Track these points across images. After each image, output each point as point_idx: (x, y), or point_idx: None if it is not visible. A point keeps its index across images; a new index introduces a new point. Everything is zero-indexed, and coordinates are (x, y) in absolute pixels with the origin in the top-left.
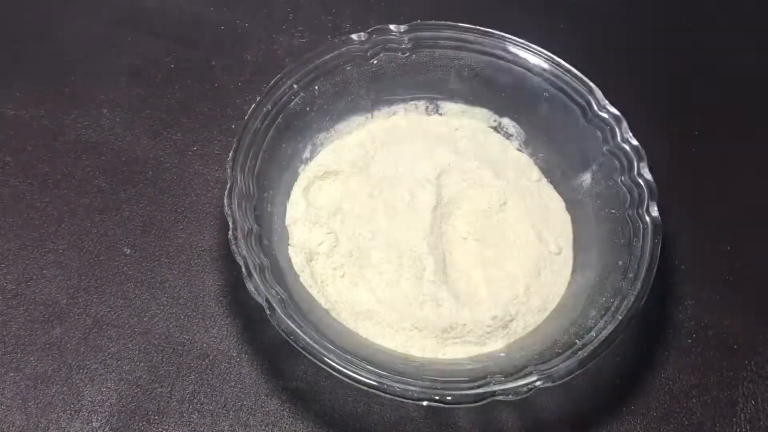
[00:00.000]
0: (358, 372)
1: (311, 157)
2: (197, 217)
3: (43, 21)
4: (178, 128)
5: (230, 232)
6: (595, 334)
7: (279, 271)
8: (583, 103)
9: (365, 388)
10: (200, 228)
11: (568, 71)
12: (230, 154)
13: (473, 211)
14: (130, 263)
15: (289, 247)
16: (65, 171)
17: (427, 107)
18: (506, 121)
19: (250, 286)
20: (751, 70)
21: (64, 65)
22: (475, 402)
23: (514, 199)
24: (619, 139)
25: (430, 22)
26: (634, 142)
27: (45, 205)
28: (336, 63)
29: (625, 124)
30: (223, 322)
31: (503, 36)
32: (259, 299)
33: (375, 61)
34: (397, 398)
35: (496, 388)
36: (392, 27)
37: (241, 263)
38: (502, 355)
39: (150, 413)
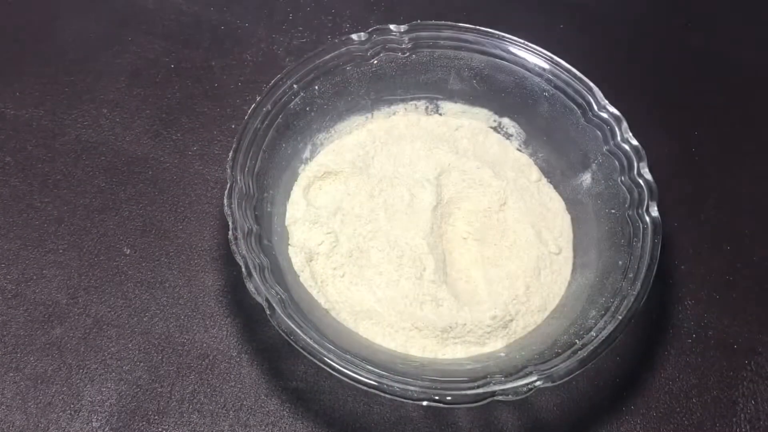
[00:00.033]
0: (358, 372)
1: (311, 157)
2: (197, 217)
3: (43, 21)
4: (178, 128)
5: (230, 232)
6: (595, 334)
7: (279, 271)
8: (583, 103)
9: (365, 388)
10: (200, 228)
11: (568, 71)
12: (230, 154)
13: (473, 211)
14: (130, 263)
15: (289, 247)
16: (65, 171)
17: (427, 107)
18: (506, 121)
19: (250, 286)
20: (751, 70)
21: (64, 65)
22: (475, 402)
23: (513, 199)
24: (619, 139)
25: (430, 22)
26: (634, 142)
27: (45, 205)
28: (336, 63)
29: (625, 124)
30: (223, 322)
31: (503, 36)
32: (259, 299)
33: (375, 61)
34: (397, 398)
35: (496, 388)
36: (392, 27)
37: (241, 263)
38: (502, 355)
39: (150, 413)
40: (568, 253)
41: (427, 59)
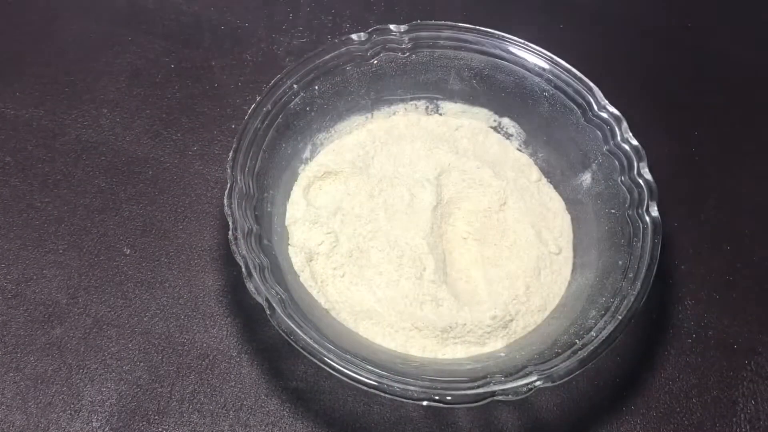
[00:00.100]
0: (358, 372)
1: (311, 157)
2: (197, 217)
3: (43, 21)
4: (178, 128)
5: (230, 232)
6: (595, 334)
7: (279, 271)
8: (583, 103)
9: (365, 388)
10: (200, 228)
11: (568, 71)
12: (230, 154)
13: (473, 211)
14: (130, 263)
15: (289, 247)
16: (65, 171)
17: (427, 107)
18: (506, 121)
19: (250, 286)
20: (751, 70)
21: (64, 65)
22: (475, 402)
23: (513, 199)
24: (619, 139)
25: (430, 22)
26: (634, 142)
27: (45, 205)
28: (336, 63)
29: (625, 124)
30: (223, 322)
31: (503, 36)
32: (259, 299)
33: (375, 61)
34: (397, 398)
35: (496, 388)
36: (392, 27)
37: (241, 263)
38: (502, 355)
39: (150, 413)
40: (568, 253)
41: (427, 59)
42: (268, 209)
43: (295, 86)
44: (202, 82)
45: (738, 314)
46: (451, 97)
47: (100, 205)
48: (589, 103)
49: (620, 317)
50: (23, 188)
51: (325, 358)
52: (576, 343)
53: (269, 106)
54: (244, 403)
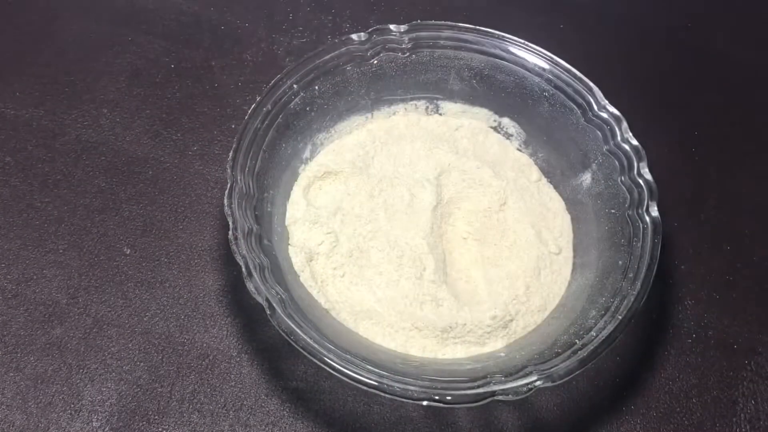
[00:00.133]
0: (358, 372)
1: (311, 157)
2: (197, 217)
3: (43, 21)
4: (178, 128)
5: (230, 232)
6: (595, 334)
7: (279, 271)
8: (583, 103)
9: (365, 388)
10: (200, 228)
11: (568, 71)
12: (230, 154)
13: (473, 211)
14: (130, 263)
15: (289, 247)
16: (65, 171)
17: (427, 107)
18: (506, 121)
19: (250, 286)
20: (751, 70)
21: (64, 65)
22: (475, 402)
23: (513, 199)
24: (619, 139)
25: (430, 22)
26: (634, 142)
27: (45, 205)
28: (336, 63)
29: (625, 124)
30: (223, 322)
31: (503, 36)
32: (259, 299)
33: (375, 61)
34: (397, 398)
35: (496, 388)
36: (392, 27)
37: (241, 263)
38: (502, 355)
39: (150, 413)
40: (568, 253)
41: (427, 59)
42: (268, 209)
43: (295, 86)
44: (202, 82)
45: (738, 314)
46: (451, 97)
47: (100, 205)
48: (589, 103)
49: (620, 317)
50: (23, 188)
51: (325, 358)
52: (576, 343)
53: (269, 106)
54: (244, 403)
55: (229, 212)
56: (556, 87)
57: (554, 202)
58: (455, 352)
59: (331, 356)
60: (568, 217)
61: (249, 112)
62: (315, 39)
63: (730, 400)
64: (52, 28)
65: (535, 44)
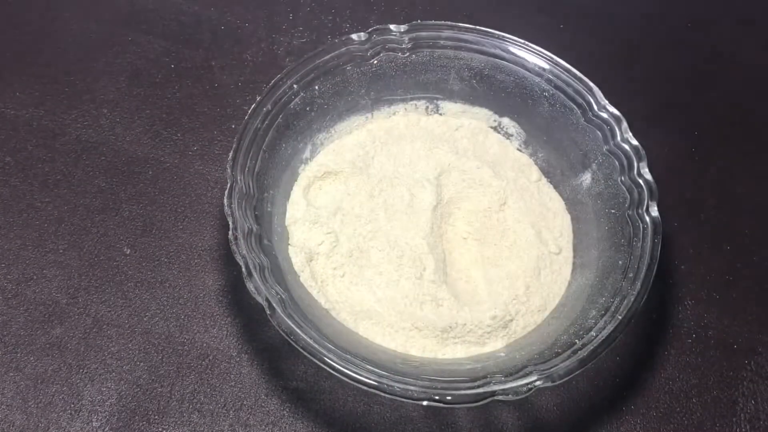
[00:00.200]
0: (358, 372)
1: (311, 157)
2: (197, 217)
3: (43, 21)
4: (178, 128)
5: (230, 232)
6: (595, 334)
7: (279, 271)
8: (583, 103)
9: (365, 388)
10: (200, 228)
11: (568, 71)
12: (230, 154)
13: (473, 211)
14: (130, 263)
15: (289, 247)
16: (65, 171)
17: (427, 107)
18: (506, 121)
19: (250, 286)
20: (751, 70)
21: (64, 65)
22: (475, 402)
23: (513, 199)
24: (618, 139)
25: (430, 22)
26: (634, 142)
27: (45, 205)
28: (336, 63)
29: (625, 124)
30: (223, 322)
31: (503, 36)
32: (259, 299)
33: (375, 61)
34: (397, 398)
35: (496, 388)
36: (392, 27)
37: (241, 263)
38: (502, 355)
39: (150, 413)
40: (568, 253)
41: (427, 59)
42: (268, 209)
43: (295, 86)
44: (202, 82)
45: (738, 314)
46: (451, 97)
47: (100, 205)
48: (589, 103)
49: (620, 317)
50: (23, 188)
51: (325, 358)
52: (576, 343)
53: (269, 106)
54: (244, 403)
55: (229, 212)
56: (556, 87)
57: (554, 202)
58: (455, 352)
59: (331, 356)
60: (568, 217)
61: (249, 112)
62: (315, 39)
63: (730, 400)
64: (52, 28)
65: (535, 44)
